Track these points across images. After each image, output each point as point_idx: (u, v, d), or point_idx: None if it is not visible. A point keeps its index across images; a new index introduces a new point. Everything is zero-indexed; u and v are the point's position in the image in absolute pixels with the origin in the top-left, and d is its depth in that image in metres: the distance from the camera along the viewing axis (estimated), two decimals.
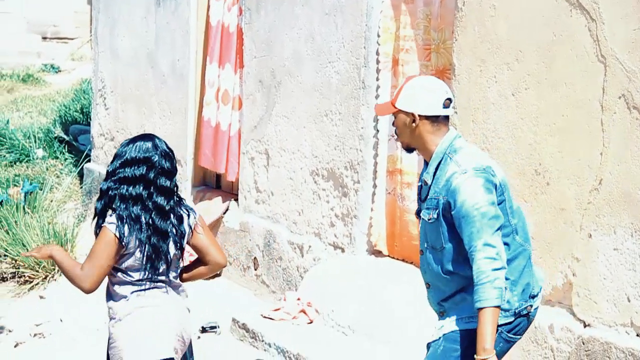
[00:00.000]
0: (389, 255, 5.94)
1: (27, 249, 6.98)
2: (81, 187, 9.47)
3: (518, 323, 3.39)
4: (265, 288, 6.71)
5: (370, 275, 5.73)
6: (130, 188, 3.60)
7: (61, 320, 6.28)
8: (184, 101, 7.73)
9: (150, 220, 3.59)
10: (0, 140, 10.70)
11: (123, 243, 3.56)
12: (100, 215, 3.65)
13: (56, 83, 16.28)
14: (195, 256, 3.85)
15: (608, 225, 4.33)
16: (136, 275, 3.62)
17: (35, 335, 6.13)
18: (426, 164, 3.46)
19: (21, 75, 16.32)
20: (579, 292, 4.47)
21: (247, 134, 6.97)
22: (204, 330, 5.95)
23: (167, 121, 7.99)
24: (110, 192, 3.63)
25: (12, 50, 17.84)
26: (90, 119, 10.07)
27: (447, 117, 3.42)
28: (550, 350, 4.55)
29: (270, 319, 5.72)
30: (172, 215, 3.66)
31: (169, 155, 3.70)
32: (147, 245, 3.58)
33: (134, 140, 3.71)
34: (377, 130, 5.84)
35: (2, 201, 8.22)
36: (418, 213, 3.53)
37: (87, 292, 3.60)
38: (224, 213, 7.27)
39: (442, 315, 3.48)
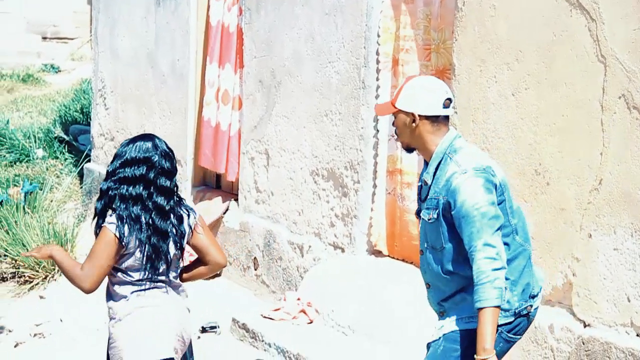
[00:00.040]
0: (389, 255, 5.94)
1: (27, 249, 6.98)
2: (81, 187, 9.47)
3: (518, 323, 3.39)
4: (265, 288, 6.71)
5: (370, 275, 5.73)
6: (130, 188, 3.60)
7: (61, 321, 6.28)
8: (184, 101, 7.73)
9: (150, 220, 3.59)
10: (1, 140, 10.70)
11: (123, 243, 3.56)
12: (100, 215, 3.65)
13: (56, 83, 16.28)
14: (196, 256, 3.86)
15: (608, 225, 4.33)
16: (136, 275, 3.62)
17: (35, 335, 6.13)
18: (426, 164, 3.46)
19: (21, 75, 16.32)
20: (579, 292, 4.47)
21: (247, 134, 6.97)
22: (204, 330, 5.95)
23: (167, 121, 7.99)
24: (110, 192, 3.63)
25: (12, 50, 17.84)
26: (90, 119, 10.07)
27: (447, 117, 3.42)
28: (550, 350, 4.55)
29: (270, 319, 5.72)
30: (172, 215, 3.66)
31: (169, 155, 3.70)
32: (147, 245, 3.58)
33: (134, 140, 3.71)
34: (377, 130, 5.84)
35: (2, 201, 8.22)
36: (418, 213, 3.53)
37: (87, 292, 3.60)
38: (224, 213, 7.27)
39: (442, 315, 3.48)
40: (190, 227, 3.72)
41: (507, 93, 4.80)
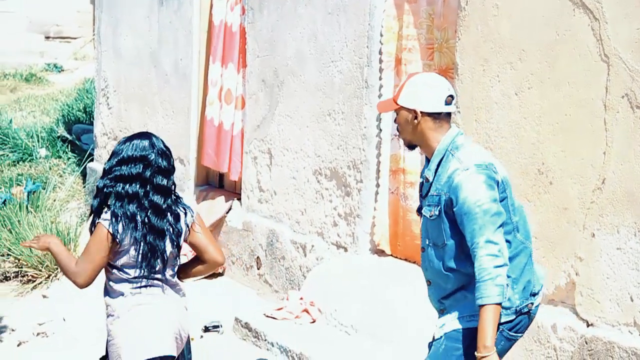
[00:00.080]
0: (391, 255, 5.94)
1: (30, 248, 6.99)
2: (84, 187, 9.47)
3: (519, 321, 3.39)
4: (268, 287, 6.71)
5: (373, 274, 5.73)
6: (127, 186, 3.61)
7: (64, 320, 6.29)
8: (187, 100, 7.74)
9: (146, 218, 3.60)
10: (4, 140, 10.71)
11: (117, 240, 3.57)
12: (96, 213, 3.66)
13: (59, 82, 16.29)
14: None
15: (611, 225, 4.32)
16: (132, 273, 3.63)
17: (38, 334, 6.13)
18: (427, 160, 3.46)
19: (24, 75, 16.34)
20: (582, 291, 4.46)
21: (250, 133, 6.97)
22: (206, 329, 5.95)
23: (170, 120, 7.99)
24: (106, 190, 3.64)
25: (14, 50, 17.85)
26: (93, 119, 10.07)
27: (449, 114, 3.41)
28: (553, 349, 4.55)
29: (273, 318, 5.72)
30: (169, 214, 3.66)
31: (166, 153, 3.70)
32: (142, 244, 3.59)
33: (131, 138, 3.72)
34: (380, 130, 5.84)
35: (5, 200, 8.24)
36: (419, 210, 3.53)
37: (81, 287, 3.63)
38: (227, 212, 7.28)
39: (442, 312, 3.48)
40: (188, 226, 3.73)
41: (510, 92, 4.79)
